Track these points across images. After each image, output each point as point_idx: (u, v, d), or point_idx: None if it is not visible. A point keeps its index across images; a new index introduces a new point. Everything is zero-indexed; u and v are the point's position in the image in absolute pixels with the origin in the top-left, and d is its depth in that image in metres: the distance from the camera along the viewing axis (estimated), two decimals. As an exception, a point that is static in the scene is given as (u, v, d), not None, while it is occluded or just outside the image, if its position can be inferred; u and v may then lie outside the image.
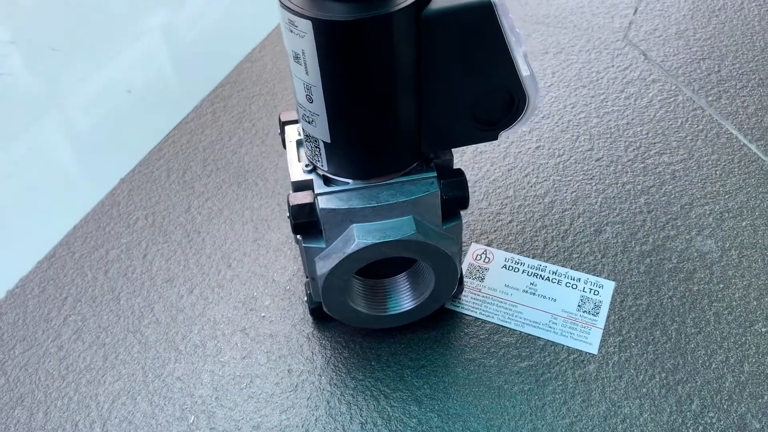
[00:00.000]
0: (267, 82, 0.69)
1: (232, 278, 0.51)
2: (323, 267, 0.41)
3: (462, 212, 0.43)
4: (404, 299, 0.45)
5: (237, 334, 0.48)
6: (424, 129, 0.40)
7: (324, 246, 0.41)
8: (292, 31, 0.35)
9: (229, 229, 0.55)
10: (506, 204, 0.55)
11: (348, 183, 0.41)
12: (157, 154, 0.62)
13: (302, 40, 0.35)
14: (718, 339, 0.46)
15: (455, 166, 0.43)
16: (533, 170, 0.58)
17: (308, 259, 0.42)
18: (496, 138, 0.41)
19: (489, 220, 0.54)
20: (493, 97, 0.39)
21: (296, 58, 0.36)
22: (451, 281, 0.44)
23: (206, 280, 0.51)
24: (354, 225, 0.40)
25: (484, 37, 0.36)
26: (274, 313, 0.49)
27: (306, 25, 0.34)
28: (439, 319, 0.48)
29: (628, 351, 0.46)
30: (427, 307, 0.45)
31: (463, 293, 0.49)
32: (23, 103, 0.70)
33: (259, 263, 0.52)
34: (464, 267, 0.51)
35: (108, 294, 0.51)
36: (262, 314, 0.49)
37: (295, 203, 0.41)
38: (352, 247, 0.40)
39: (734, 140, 0.59)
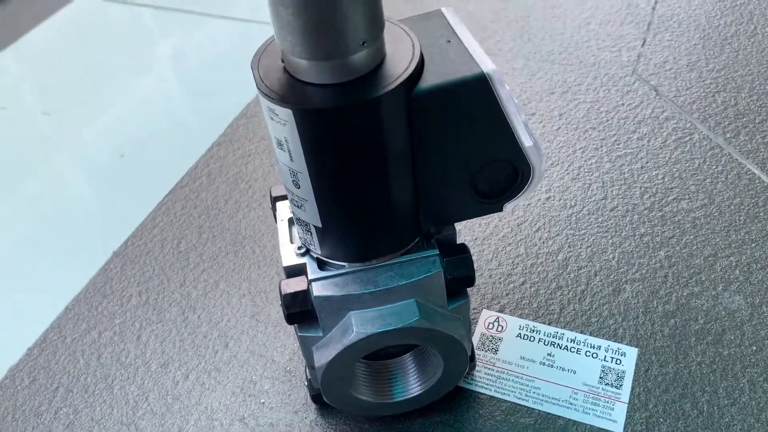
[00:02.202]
0: (263, 138, 0.66)
1: (230, 359, 0.48)
2: (321, 358, 0.38)
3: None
4: (412, 383, 0.42)
5: (235, 424, 0.45)
6: (423, 206, 0.37)
7: (321, 335, 0.39)
8: (272, 119, 0.32)
9: (226, 303, 0.52)
10: (518, 263, 0.52)
11: (344, 266, 0.38)
12: (151, 223, 0.59)
13: (284, 128, 0.32)
14: (755, 411, 0.42)
15: (459, 238, 0.40)
16: (544, 224, 0.55)
17: (305, 348, 0.40)
18: (500, 210, 0.38)
19: (500, 282, 0.51)
20: (495, 169, 0.36)
21: (279, 144, 0.33)
22: (461, 364, 0.41)
23: (202, 363, 0.49)
24: (352, 313, 0.37)
25: (480, 110, 0.33)
26: (275, 398, 0.46)
27: (287, 114, 0.31)
28: (452, 399, 0.45)
29: (656, 428, 0.42)
30: (436, 391, 0.42)
31: (476, 368, 0.46)
32: (7, 171, 0.68)
33: (258, 341, 0.49)
34: (476, 338, 0.48)
35: (101, 382, 0.48)
36: (262, 400, 0.46)
37: (288, 291, 0.38)
38: (351, 338, 0.37)
39: (757, 181, 0.56)
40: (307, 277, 0.38)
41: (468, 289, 0.40)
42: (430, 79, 0.32)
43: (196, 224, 0.59)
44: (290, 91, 0.31)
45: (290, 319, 0.38)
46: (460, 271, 0.38)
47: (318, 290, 0.37)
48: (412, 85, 0.32)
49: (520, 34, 0.75)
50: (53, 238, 0.60)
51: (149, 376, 0.48)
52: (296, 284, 0.38)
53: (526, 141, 0.35)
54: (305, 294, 0.37)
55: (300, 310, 0.37)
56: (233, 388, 0.47)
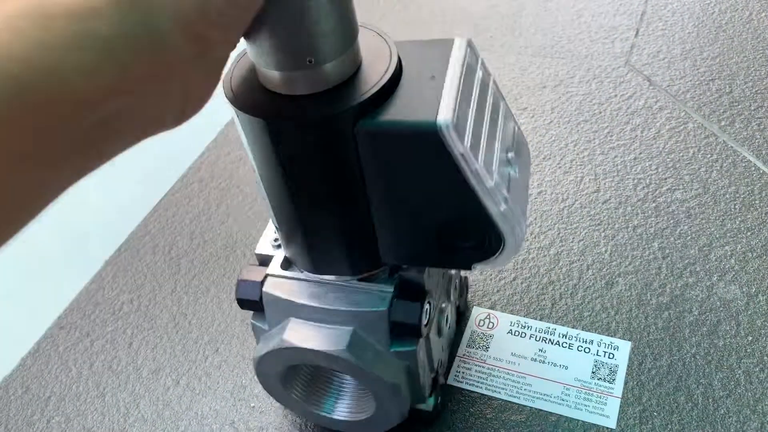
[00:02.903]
0: (255, 142, 0.66)
1: (220, 364, 0.48)
2: (258, 350, 0.38)
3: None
4: (342, 406, 0.41)
5: (226, 429, 0.45)
6: (381, 240, 0.34)
7: (267, 328, 0.38)
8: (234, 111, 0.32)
9: (217, 308, 0.52)
10: (509, 259, 0.52)
11: (302, 272, 0.37)
12: (143, 230, 0.59)
13: (236, 122, 0.32)
14: (751, 402, 0.41)
15: None
16: (536, 218, 0.54)
17: (255, 335, 0.40)
18: (468, 269, 0.34)
19: (491, 279, 0.50)
20: (460, 228, 0.32)
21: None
22: (396, 409, 0.38)
23: (193, 369, 0.48)
24: (292, 319, 0.37)
25: (431, 163, 0.29)
26: (264, 402, 0.46)
27: (235, 111, 0.31)
28: (443, 397, 0.44)
29: (650, 422, 0.41)
30: (369, 427, 0.40)
31: (468, 366, 0.45)
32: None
33: (248, 346, 0.49)
34: (467, 335, 0.47)
35: (93, 390, 0.48)
36: (252, 404, 0.46)
37: (242, 278, 0.38)
38: (276, 343, 0.36)
39: (752, 168, 0.55)
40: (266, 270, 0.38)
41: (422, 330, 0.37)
42: (384, 115, 0.29)
43: (188, 230, 0.59)
44: (245, 94, 0.30)
45: (239, 303, 0.38)
46: (404, 318, 0.35)
47: (268, 286, 0.37)
48: (359, 117, 0.29)
49: (512, 29, 0.74)
50: (45, 249, 0.61)
51: (140, 383, 0.48)
52: (254, 274, 0.38)
53: (491, 206, 0.31)
54: (257, 285, 0.37)
55: (249, 299, 0.38)
56: (223, 392, 0.47)
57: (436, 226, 0.32)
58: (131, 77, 0.20)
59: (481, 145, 0.30)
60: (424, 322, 0.35)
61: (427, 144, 0.29)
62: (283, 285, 0.37)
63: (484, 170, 0.30)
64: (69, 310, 0.54)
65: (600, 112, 0.62)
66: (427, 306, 0.36)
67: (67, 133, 0.20)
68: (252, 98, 0.30)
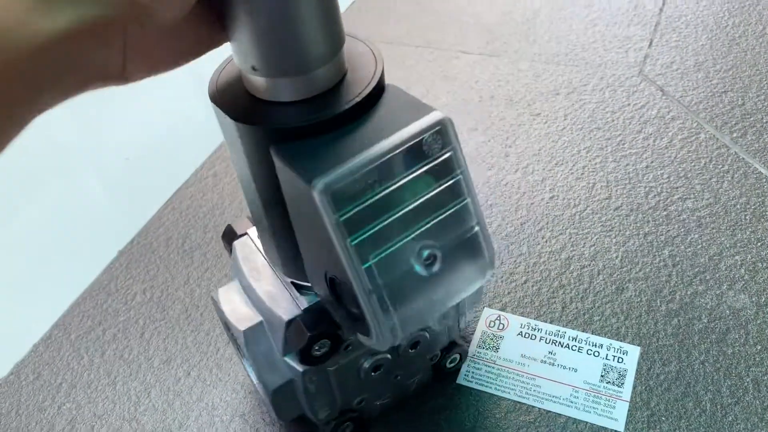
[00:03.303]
0: (269, 139, 0.67)
1: (231, 356, 0.49)
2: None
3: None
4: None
5: (236, 420, 0.45)
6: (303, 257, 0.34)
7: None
8: None
9: (229, 302, 0.52)
10: (520, 262, 0.52)
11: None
12: (156, 223, 0.60)
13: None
14: (759, 410, 0.42)
15: None
16: (548, 223, 0.55)
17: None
18: (353, 333, 0.33)
19: (502, 281, 0.51)
20: (344, 288, 0.31)
21: None
22: (275, 412, 0.40)
23: (204, 360, 0.49)
24: (234, 280, 0.40)
25: (315, 218, 0.28)
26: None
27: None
28: (451, 397, 0.44)
29: (657, 427, 0.42)
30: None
31: (478, 367, 0.46)
32: (12, 175, 0.69)
33: (260, 339, 0.49)
34: (477, 336, 0.48)
35: (104, 378, 0.49)
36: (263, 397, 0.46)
37: (231, 224, 0.41)
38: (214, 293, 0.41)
39: (764, 180, 0.55)
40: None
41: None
42: (292, 149, 0.29)
43: (201, 223, 0.59)
44: (225, 85, 0.32)
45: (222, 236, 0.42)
46: (296, 339, 0.35)
47: (237, 243, 0.41)
48: (277, 139, 0.30)
49: (525, 36, 0.75)
50: (59, 238, 0.61)
51: (152, 373, 0.49)
52: (240, 226, 0.41)
53: (359, 292, 0.29)
54: (234, 235, 0.41)
55: (224, 240, 0.42)
56: (234, 384, 0.47)
57: (325, 273, 0.31)
58: (73, 29, 0.23)
59: (372, 225, 0.29)
60: (316, 353, 0.35)
61: (307, 197, 0.28)
62: (246, 250, 0.39)
63: (353, 251, 0.28)
64: (81, 298, 0.54)
65: (613, 121, 0.63)
66: (323, 342, 0.35)
67: (14, 75, 0.22)
68: (229, 97, 0.31)
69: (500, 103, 0.66)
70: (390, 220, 0.29)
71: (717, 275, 0.49)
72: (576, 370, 0.45)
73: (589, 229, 0.54)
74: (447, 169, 0.30)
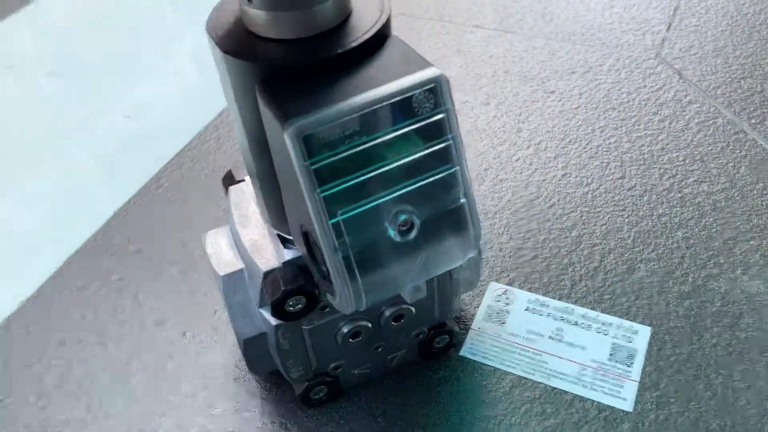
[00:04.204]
0: (275, 106, 0.65)
1: (228, 319, 0.47)
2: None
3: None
4: None
5: (231, 384, 0.44)
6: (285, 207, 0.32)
7: None
8: None
9: (228, 265, 0.51)
10: (529, 238, 0.50)
11: None
12: (155, 184, 0.58)
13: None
14: (771, 395, 0.40)
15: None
16: (559, 200, 0.53)
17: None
18: (332, 293, 0.31)
19: (510, 256, 0.49)
20: (315, 245, 0.29)
21: None
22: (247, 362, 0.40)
23: (200, 323, 0.47)
24: (226, 226, 0.40)
25: (289, 165, 0.27)
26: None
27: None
28: (456, 369, 0.43)
29: (666, 408, 0.40)
30: None
31: (483, 340, 0.44)
32: (14, 129, 0.67)
33: (258, 304, 0.48)
34: (482, 309, 0.46)
35: (95, 337, 0.47)
36: (259, 362, 0.44)
37: (231, 167, 0.41)
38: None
39: (782, 167, 0.54)
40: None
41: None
42: (277, 87, 0.28)
43: (203, 186, 0.57)
44: (220, 26, 0.30)
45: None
46: (270, 292, 0.34)
47: (233, 189, 0.40)
48: (262, 77, 0.28)
49: (542, 14, 0.73)
50: (55, 195, 0.59)
51: (144, 334, 0.47)
52: (240, 173, 0.40)
53: (324, 247, 0.28)
54: (231, 181, 0.40)
55: (224, 183, 0.42)
56: (231, 347, 0.46)
57: (301, 226, 0.30)
58: None
59: (346, 179, 0.27)
60: (290, 309, 0.34)
61: (282, 141, 0.27)
62: (240, 196, 0.39)
63: (321, 204, 0.27)
64: (75, 256, 0.53)
65: (628, 102, 0.61)
66: (298, 299, 0.33)
67: None
68: (224, 30, 0.30)
69: (514, 79, 0.65)
70: (366, 176, 0.28)
71: (731, 259, 0.48)
72: (584, 348, 0.44)
73: (601, 207, 0.52)
74: (437, 131, 0.28)
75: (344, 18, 0.30)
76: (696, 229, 0.50)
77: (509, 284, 0.48)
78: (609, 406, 0.41)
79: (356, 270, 0.29)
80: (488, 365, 0.43)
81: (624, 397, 0.41)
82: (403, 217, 0.29)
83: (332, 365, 0.40)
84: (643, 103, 0.61)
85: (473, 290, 0.46)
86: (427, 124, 0.28)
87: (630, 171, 0.55)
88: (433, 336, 0.42)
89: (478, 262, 0.40)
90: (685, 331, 0.44)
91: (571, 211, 0.52)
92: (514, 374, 0.43)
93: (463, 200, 0.29)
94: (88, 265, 0.52)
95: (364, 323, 0.38)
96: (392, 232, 0.29)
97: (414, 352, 0.42)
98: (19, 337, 0.48)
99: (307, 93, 0.27)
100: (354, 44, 0.28)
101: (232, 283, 0.37)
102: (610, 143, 0.58)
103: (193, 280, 0.50)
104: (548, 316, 0.46)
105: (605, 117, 0.60)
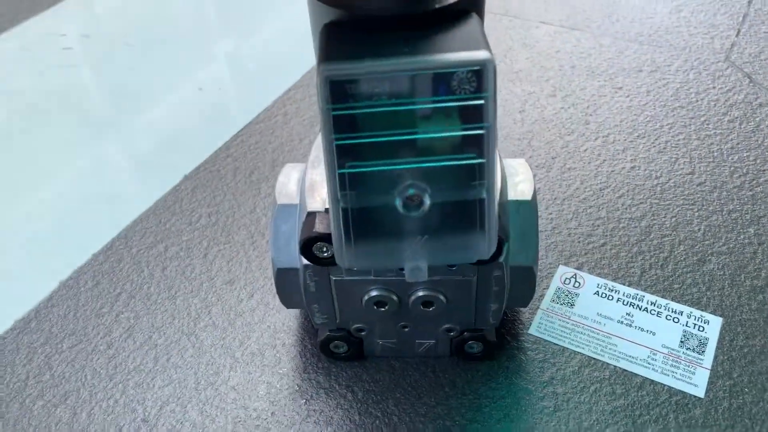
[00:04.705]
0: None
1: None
2: (528, 257, 0.38)
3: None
4: None
5: (298, 346, 0.44)
6: None
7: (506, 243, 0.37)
8: None
9: (296, 233, 0.51)
10: (598, 225, 0.50)
11: None
12: (224, 152, 0.59)
13: None
14: None
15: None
16: (628, 191, 0.53)
17: (503, 274, 0.37)
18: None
19: (579, 242, 0.49)
20: None
21: None
22: None
23: (268, 285, 0.48)
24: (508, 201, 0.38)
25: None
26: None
27: None
28: (522, 347, 0.43)
29: (740, 398, 0.40)
30: None
31: (552, 320, 0.44)
32: (93, 95, 0.68)
33: (326, 271, 0.48)
34: (551, 291, 0.46)
35: (164, 293, 0.48)
36: (327, 325, 0.45)
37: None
38: (532, 212, 0.39)
39: None
40: None
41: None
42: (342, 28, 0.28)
43: (270, 158, 0.58)
44: None
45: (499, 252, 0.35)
46: (305, 228, 0.35)
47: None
48: (332, 21, 0.29)
49: (608, 14, 0.73)
50: (127, 157, 0.60)
51: (213, 292, 0.48)
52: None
53: (327, 188, 0.29)
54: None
55: None
56: (296, 313, 0.46)
57: None
58: None
59: (363, 135, 0.27)
60: (317, 254, 0.35)
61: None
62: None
63: (333, 150, 0.27)
64: (145, 215, 0.54)
65: (697, 101, 0.61)
66: (327, 246, 0.34)
67: None
68: None
69: (581, 74, 0.65)
70: (385, 139, 0.27)
71: (805, 258, 0.47)
72: (654, 334, 0.43)
73: (670, 201, 0.52)
74: (472, 116, 0.27)
75: None
76: (768, 227, 0.50)
77: (578, 269, 0.48)
78: (680, 391, 0.40)
79: (351, 227, 0.28)
80: (557, 344, 0.43)
81: (696, 384, 0.41)
82: (411, 192, 0.28)
83: (356, 326, 0.40)
84: (712, 104, 0.61)
85: (524, 307, 0.44)
86: (464, 106, 0.26)
87: (699, 167, 0.55)
88: (467, 338, 0.41)
89: (530, 278, 0.38)
90: (758, 324, 0.44)
91: (641, 203, 0.52)
92: (583, 354, 0.42)
93: (483, 196, 0.28)
94: (158, 224, 0.53)
95: (391, 295, 0.37)
96: (398, 202, 0.28)
97: (446, 347, 0.42)
98: (88, 288, 0.48)
99: (355, 43, 0.28)
100: (419, 10, 0.28)
101: (285, 214, 0.38)
102: (678, 140, 0.57)
103: (261, 245, 0.51)
104: (618, 301, 0.45)
105: (673, 115, 0.60)
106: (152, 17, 0.79)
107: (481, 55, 0.26)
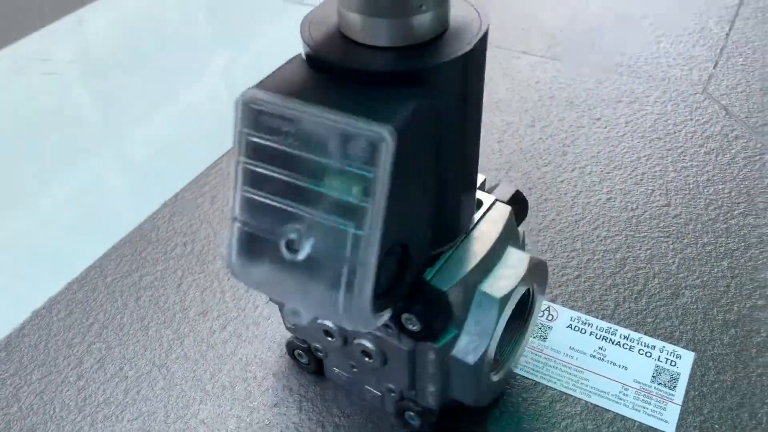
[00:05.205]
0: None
1: (269, 316, 0.47)
2: (474, 354, 0.34)
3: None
4: (514, 340, 0.40)
5: (269, 378, 0.44)
6: None
7: (456, 332, 0.34)
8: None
9: (271, 263, 0.51)
10: (573, 257, 0.50)
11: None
12: (203, 181, 0.59)
13: None
14: (818, 429, 0.40)
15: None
16: (603, 223, 0.53)
17: (441, 359, 0.35)
18: None
19: (554, 274, 0.49)
20: None
21: None
22: (541, 298, 0.40)
23: (241, 316, 0.47)
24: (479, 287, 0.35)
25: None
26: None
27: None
28: (495, 379, 0.43)
29: (711, 434, 0.40)
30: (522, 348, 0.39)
31: (524, 353, 0.44)
32: (70, 121, 0.68)
33: (300, 302, 0.48)
34: (524, 323, 0.46)
35: (137, 323, 0.48)
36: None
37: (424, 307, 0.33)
38: (496, 310, 0.34)
39: (829, 206, 0.54)
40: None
41: None
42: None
43: (248, 186, 0.58)
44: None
45: (433, 335, 0.33)
46: None
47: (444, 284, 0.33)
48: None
49: (589, 44, 0.74)
50: (104, 185, 0.60)
51: (186, 323, 0.47)
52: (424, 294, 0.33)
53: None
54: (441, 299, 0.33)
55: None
56: (270, 343, 0.46)
57: None
58: None
59: (261, 166, 0.28)
60: None
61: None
62: (449, 270, 0.35)
63: (239, 169, 0.28)
64: (120, 244, 0.53)
65: (674, 133, 0.62)
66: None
67: None
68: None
69: (560, 104, 0.65)
70: (277, 176, 0.27)
71: (778, 292, 0.47)
72: (626, 368, 0.43)
73: (646, 233, 0.52)
74: (360, 186, 0.26)
75: (399, 41, 0.29)
76: (742, 260, 0.50)
77: (552, 301, 0.48)
78: (651, 427, 0.40)
79: (240, 245, 0.29)
80: (529, 378, 0.43)
81: (666, 420, 0.41)
82: (292, 236, 0.28)
83: (313, 344, 0.40)
84: (689, 135, 0.61)
85: (471, 405, 0.38)
86: (353, 173, 0.26)
87: (675, 199, 0.55)
88: (406, 407, 0.39)
89: (472, 377, 0.35)
90: (729, 359, 0.44)
91: (616, 234, 0.52)
92: (555, 389, 0.42)
93: (344, 267, 0.27)
94: (134, 253, 0.53)
95: (337, 328, 0.37)
96: (282, 242, 0.28)
97: (391, 405, 0.40)
98: (60, 318, 0.48)
99: (296, 80, 0.28)
100: (358, 68, 0.28)
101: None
102: (655, 171, 0.58)
103: (235, 275, 0.50)
104: (591, 334, 0.45)
105: (651, 146, 0.60)
106: (138, 43, 0.79)
107: (380, 129, 0.25)
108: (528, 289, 0.38)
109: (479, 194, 0.37)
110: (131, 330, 0.47)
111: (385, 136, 0.25)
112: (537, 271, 0.38)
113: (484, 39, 0.30)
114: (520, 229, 0.39)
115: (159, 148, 0.64)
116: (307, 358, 0.42)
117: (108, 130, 0.67)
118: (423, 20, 0.28)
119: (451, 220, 0.34)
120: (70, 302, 0.49)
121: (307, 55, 0.30)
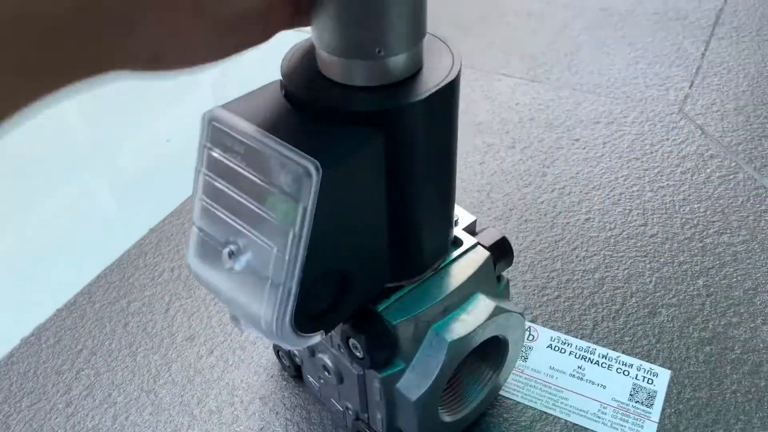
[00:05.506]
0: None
1: (255, 340, 0.48)
2: (416, 391, 0.35)
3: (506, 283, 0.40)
4: (480, 385, 0.41)
5: (256, 403, 0.44)
6: None
7: (404, 366, 0.35)
8: None
9: (257, 287, 0.52)
10: (553, 277, 0.52)
11: (401, 284, 0.35)
12: (189, 206, 0.60)
13: None
14: (790, 444, 0.41)
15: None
16: (582, 243, 0.54)
17: (389, 388, 0.35)
18: None
19: (534, 294, 0.50)
20: None
21: None
22: (521, 342, 0.40)
23: (228, 341, 0.48)
24: (431, 328, 0.35)
25: None
26: (298, 381, 0.45)
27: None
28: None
29: (686, 451, 0.41)
30: (491, 393, 0.41)
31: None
32: (58, 146, 0.69)
33: (286, 326, 0.49)
34: (505, 344, 0.47)
35: (125, 349, 0.48)
36: (284, 382, 0.45)
37: (367, 335, 0.33)
38: (443, 352, 0.34)
39: (801, 223, 0.55)
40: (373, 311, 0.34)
41: None
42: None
43: (234, 211, 0.59)
44: (298, 76, 0.30)
45: (376, 365, 0.34)
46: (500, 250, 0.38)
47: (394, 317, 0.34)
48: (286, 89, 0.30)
49: (568, 66, 0.76)
50: (92, 211, 0.61)
51: (174, 348, 0.48)
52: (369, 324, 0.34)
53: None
54: (387, 331, 0.34)
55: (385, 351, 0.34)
56: (256, 367, 0.46)
57: None
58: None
59: (213, 179, 0.30)
60: None
61: None
62: (403, 306, 0.36)
63: (200, 178, 0.30)
64: (109, 270, 0.54)
65: (651, 153, 0.63)
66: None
67: (37, 50, 0.20)
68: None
69: (540, 126, 0.67)
70: (223, 189, 0.29)
71: (751, 309, 0.49)
72: (605, 387, 0.44)
73: (624, 252, 0.53)
74: (283, 212, 0.27)
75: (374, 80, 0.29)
76: (716, 278, 0.51)
77: (533, 321, 0.49)
78: (629, 445, 0.41)
79: (194, 249, 0.32)
80: (509, 398, 0.44)
81: (644, 437, 0.42)
82: (232, 248, 0.29)
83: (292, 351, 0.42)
84: (666, 155, 0.63)
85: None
86: (280, 198, 0.27)
87: (652, 219, 0.56)
88: (359, 428, 0.39)
89: (411, 412, 0.35)
90: (705, 376, 0.45)
91: (594, 254, 0.53)
92: (535, 409, 0.43)
93: (267, 283, 0.28)
94: (121, 279, 0.53)
95: None
96: (224, 251, 0.30)
97: (350, 422, 0.40)
98: (49, 345, 0.49)
99: (263, 105, 0.29)
100: (321, 103, 0.29)
101: None
102: (632, 191, 0.59)
103: (222, 299, 0.51)
104: (570, 354, 0.46)
105: (628, 166, 0.62)
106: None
107: (306, 163, 0.26)
108: (499, 338, 0.38)
109: (462, 235, 0.38)
110: (119, 356, 0.48)
111: (311, 170, 0.26)
112: (508, 322, 0.38)
113: (451, 85, 0.30)
114: (506, 275, 0.40)
115: (145, 174, 0.65)
116: (288, 361, 0.43)
117: (94, 154, 0.67)
118: (386, 63, 0.28)
119: (412, 256, 0.34)
120: (59, 329, 0.50)
121: (281, 83, 0.31)
